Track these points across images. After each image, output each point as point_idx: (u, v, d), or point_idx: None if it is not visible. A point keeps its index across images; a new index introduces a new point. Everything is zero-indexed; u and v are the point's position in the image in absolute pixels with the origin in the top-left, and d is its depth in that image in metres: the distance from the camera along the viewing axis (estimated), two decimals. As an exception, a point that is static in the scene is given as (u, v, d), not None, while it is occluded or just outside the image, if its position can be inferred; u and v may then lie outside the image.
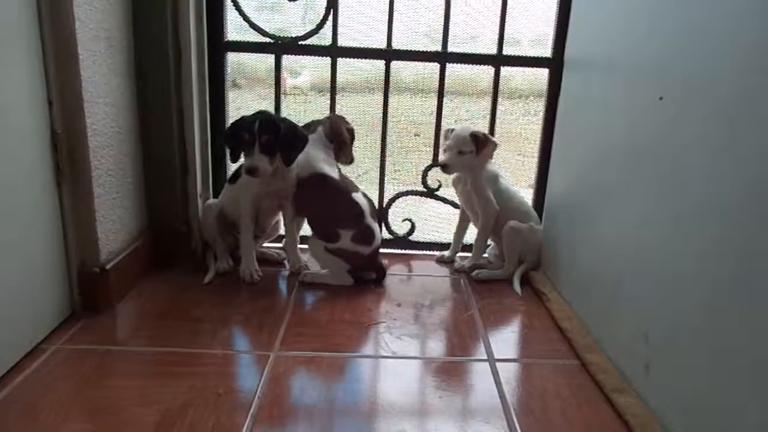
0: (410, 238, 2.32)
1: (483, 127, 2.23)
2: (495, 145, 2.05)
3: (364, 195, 2.03)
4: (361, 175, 2.62)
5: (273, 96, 2.18)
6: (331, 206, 1.97)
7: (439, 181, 2.29)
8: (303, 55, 2.18)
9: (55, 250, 1.56)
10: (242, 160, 1.84)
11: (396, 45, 2.12)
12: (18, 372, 1.37)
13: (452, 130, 2.07)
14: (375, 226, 2.01)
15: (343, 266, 1.97)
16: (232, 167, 2.19)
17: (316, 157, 1.97)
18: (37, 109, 1.46)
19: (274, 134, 1.78)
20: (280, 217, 2.18)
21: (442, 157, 2.08)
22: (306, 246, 2.09)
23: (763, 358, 0.95)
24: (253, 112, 1.83)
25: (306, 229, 2.17)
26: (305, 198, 1.98)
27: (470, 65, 2.20)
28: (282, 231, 2.23)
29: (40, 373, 1.38)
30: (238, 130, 1.80)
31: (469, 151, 2.02)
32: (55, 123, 1.51)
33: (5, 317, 1.36)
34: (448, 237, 2.32)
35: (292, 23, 2.13)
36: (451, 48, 2.13)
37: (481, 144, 2.02)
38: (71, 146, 1.56)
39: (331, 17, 2.07)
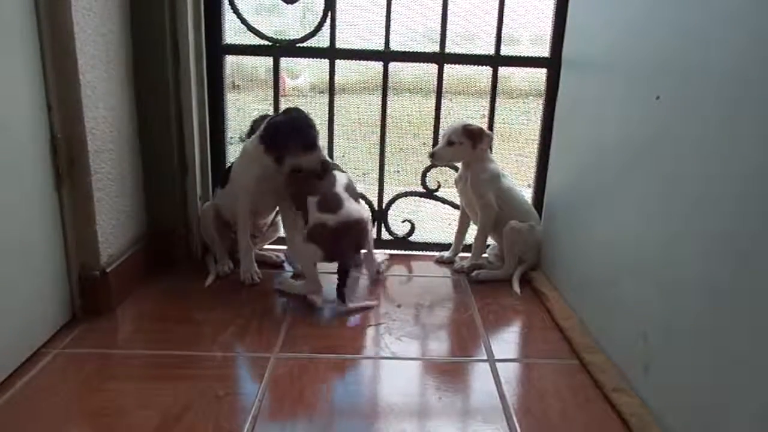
0: (410, 239, 2.32)
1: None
2: (491, 138, 2.04)
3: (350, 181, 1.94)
4: (360, 176, 2.62)
5: (272, 98, 2.19)
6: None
7: (439, 182, 2.29)
8: (301, 57, 2.18)
9: (55, 254, 1.57)
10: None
11: (394, 45, 2.12)
12: (20, 376, 1.38)
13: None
14: (347, 200, 1.83)
15: (314, 257, 1.81)
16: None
17: None
18: (37, 114, 1.46)
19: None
20: (279, 218, 2.18)
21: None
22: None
23: (763, 358, 0.95)
24: (283, 110, 1.91)
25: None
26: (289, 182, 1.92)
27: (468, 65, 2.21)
28: (281, 234, 2.24)
29: (42, 376, 1.39)
30: (303, 126, 1.83)
31: (458, 142, 2.02)
32: (55, 128, 1.51)
33: (6, 322, 1.37)
34: (447, 237, 2.32)
35: (290, 25, 2.14)
36: (449, 47, 2.13)
37: (476, 137, 2.02)
38: (71, 151, 1.56)
39: (329, 19, 2.07)
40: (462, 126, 2.02)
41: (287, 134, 1.81)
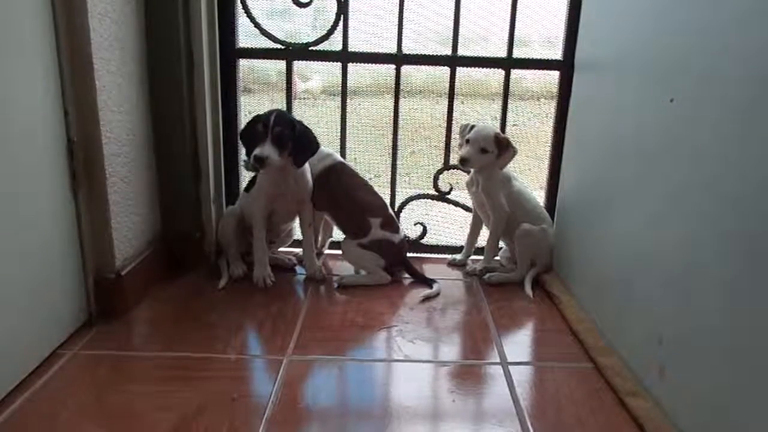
0: (422, 241, 2.32)
1: (494, 129, 2.23)
2: (514, 152, 2.03)
3: None
4: (372, 178, 2.62)
5: (284, 101, 2.19)
6: (357, 192, 2.05)
7: (451, 185, 2.29)
8: (314, 60, 2.19)
9: (71, 256, 1.58)
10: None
11: (406, 48, 2.12)
12: (36, 378, 1.39)
13: (471, 126, 2.03)
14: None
15: (378, 262, 2.03)
16: (245, 173, 2.21)
17: (328, 151, 2.10)
18: (53, 118, 1.48)
19: (289, 129, 1.80)
20: (296, 223, 2.19)
21: (462, 151, 2.03)
22: (326, 251, 2.23)
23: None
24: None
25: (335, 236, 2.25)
26: (330, 190, 2.04)
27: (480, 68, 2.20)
28: (297, 237, 2.24)
29: (58, 378, 1.41)
30: (253, 123, 1.82)
31: (490, 151, 2.00)
32: (71, 131, 1.53)
33: (23, 324, 1.39)
34: (459, 240, 2.32)
35: (302, 29, 2.14)
36: (462, 50, 2.13)
37: (503, 148, 2.01)
38: (86, 154, 1.58)
39: (341, 23, 2.08)
40: (494, 135, 2.00)
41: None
